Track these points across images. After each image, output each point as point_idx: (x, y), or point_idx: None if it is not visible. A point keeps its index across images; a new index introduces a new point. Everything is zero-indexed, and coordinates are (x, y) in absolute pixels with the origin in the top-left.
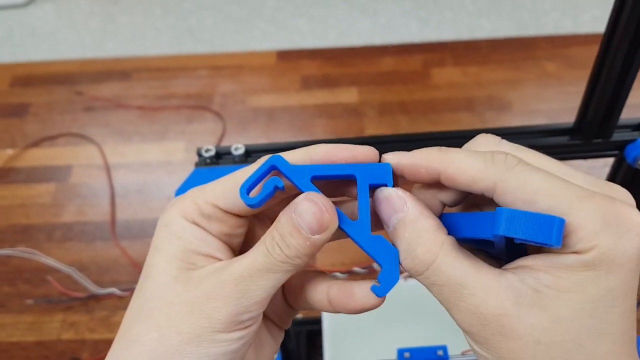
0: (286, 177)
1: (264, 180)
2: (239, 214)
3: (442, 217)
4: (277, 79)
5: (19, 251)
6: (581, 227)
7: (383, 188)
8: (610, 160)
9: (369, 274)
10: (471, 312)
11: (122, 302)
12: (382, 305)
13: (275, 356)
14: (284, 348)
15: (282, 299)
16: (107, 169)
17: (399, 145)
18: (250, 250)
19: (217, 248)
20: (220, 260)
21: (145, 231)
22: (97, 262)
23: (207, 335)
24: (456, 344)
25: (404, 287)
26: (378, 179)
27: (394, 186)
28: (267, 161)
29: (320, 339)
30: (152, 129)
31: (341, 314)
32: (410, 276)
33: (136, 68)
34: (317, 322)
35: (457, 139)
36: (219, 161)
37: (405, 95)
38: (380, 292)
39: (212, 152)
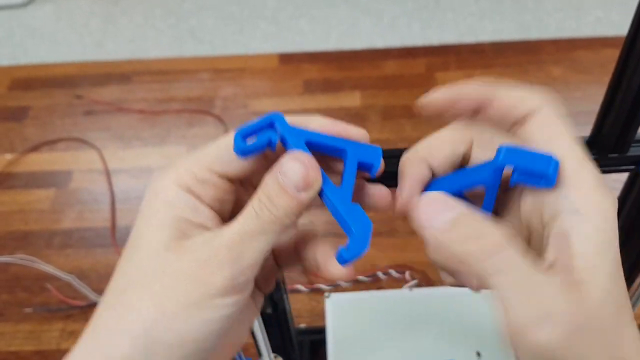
0: (281, 134)
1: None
2: (233, 176)
3: (433, 183)
4: (279, 83)
5: (18, 258)
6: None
7: (427, 193)
8: (621, 176)
9: (374, 282)
10: (522, 303)
11: None
12: (388, 317)
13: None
14: (287, 358)
15: (271, 259)
16: (108, 174)
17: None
18: (239, 215)
19: (207, 217)
20: (210, 229)
21: None
22: (97, 269)
23: (203, 301)
24: (464, 358)
25: (410, 299)
26: (368, 158)
27: (379, 168)
28: (268, 116)
29: (324, 349)
30: (153, 133)
31: (345, 323)
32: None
33: (136, 71)
34: (321, 331)
35: None
36: None
37: (409, 100)
38: (347, 257)
39: None
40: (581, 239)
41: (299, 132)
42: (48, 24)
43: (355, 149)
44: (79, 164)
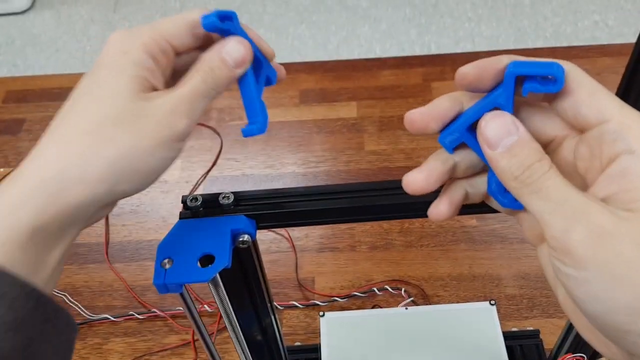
0: (233, 27)
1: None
2: (180, 50)
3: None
4: (274, 94)
5: None
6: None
7: (493, 112)
8: None
9: (369, 298)
10: (571, 221)
11: (115, 329)
12: (384, 336)
13: None
14: None
15: None
16: None
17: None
18: (189, 77)
19: (159, 80)
20: (159, 90)
21: (139, 254)
22: (90, 286)
23: (169, 142)
24: None
25: (406, 318)
26: (272, 75)
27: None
28: (230, 11)
29: None
30: None
31: (340, 342)
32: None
33: None
34: (316, 350)
35: None
36: (206, 211)
37: (406, 110)
38: (248, 131)
39: (199, 202)
40: (634, 181)
41: (243, 31)
42: (48, 30)
43: (267, 65)
44: None
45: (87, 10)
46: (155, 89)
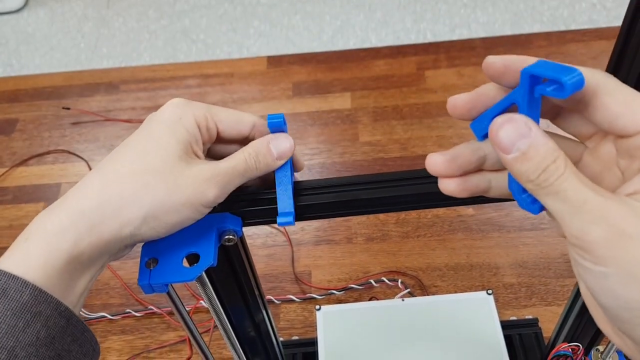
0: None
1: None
2: (223, 135)
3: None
4: (268, 87)
5: None
6: None
7: (505, 115)
8: None
9: (366, 290)
10: (590, 223)
11: (113, 327)
12: (381, 328)
13: None
14: None
15: None
16: None
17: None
18: (233, 156)
19: (200, 150)
20: (201, 159)
21: (136, 252)
22: None
23: (195, 205)
24: None
25: (403, 309)
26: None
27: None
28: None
29: None
30: None
31: (337, 335)
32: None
33: (123, 80)
34: (314, 343)
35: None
36: None
37: (400, 100)
38: (280, 222)
39: None
40: None
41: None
42: (42, 28)
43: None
44: (67, 177)
45: (80, 7)
46: (195, 154)
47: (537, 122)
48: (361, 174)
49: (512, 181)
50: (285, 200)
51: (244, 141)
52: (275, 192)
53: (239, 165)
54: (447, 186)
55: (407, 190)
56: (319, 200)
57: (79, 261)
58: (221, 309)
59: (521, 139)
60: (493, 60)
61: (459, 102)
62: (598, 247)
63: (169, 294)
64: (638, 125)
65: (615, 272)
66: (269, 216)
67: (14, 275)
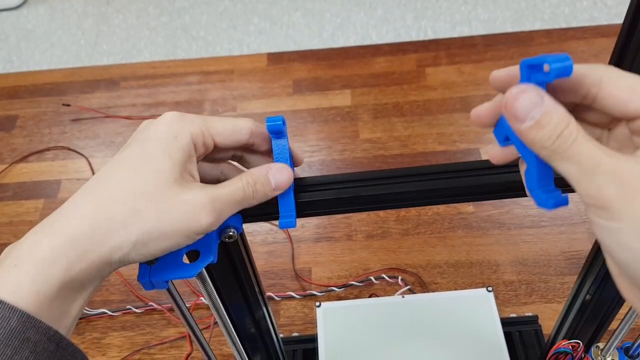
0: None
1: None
2: (220, 148)
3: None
4: (268, 84)
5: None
6: None
7: (516, 86)
8: None
9: (366, 287)
10: (605, 182)
11: (113, 323)
12: (381, 323)
13: None
14: None
15: None
16: None
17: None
18: (231, 182)
19: (195, 167)
20: (194, 177)
21: None
22: None
23: (187, 233)
24: None
25: (403, 306)
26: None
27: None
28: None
29: (315, 358)
30: None
31: (337, 332)
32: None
33: (124, 76)
34: (314, 340)
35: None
36: None
37: (400, 97)
38: (281, 225)
39: None
40: None
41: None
42: (42, 25)
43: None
44: (67, 173)
45: (80, 4)
46: (192, 175)
47: None
48: (363, 171)
49: (528, 179)
50: (286, 201)
51: (241, 148)
52: None
53: (237, 193)
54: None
55: (409, 187)
56: (320, 197)
57: (70, 287)
58: (221, 306)
59: (535, 107)
60: (498, 74)
61: (482, 111)
62: (612, 203)
63: (169, 290)
64: (593, 76)
65: (629, 225)
66: (269, 213)
67: (1, 301)
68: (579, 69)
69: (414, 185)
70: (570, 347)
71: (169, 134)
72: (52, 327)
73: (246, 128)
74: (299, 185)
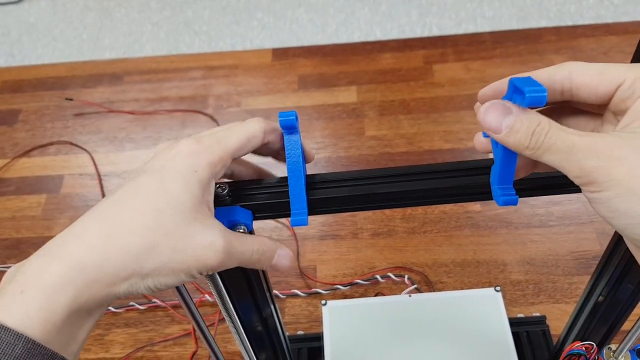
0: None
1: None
2: (242, 158)
3: None
4: (273, 80)
5: (9, 267)
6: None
7: (486, 103)
8: None
9: (372, 285)
10: (583, 159)
11: (116, 319)
12: (387, 322)
13: None
14: None
15: None
16: (99, 177)
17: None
18: (245, 241)
19: (211, 199)
20: (210, 207)
21: None
22: None
23: (193, 270)
24: None
25: (409, 305)
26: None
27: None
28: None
29: (322, 356)
30: (145, 135)
31: (343, 330)
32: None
33: (127, 71)
34: (319, 338)
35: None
36: None
37: (407, 94)
38: (293, 223)
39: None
40: None
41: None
42: (44, 19)
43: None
44: (70, 168)
45: None
46: (207, 206)
47: None
48: (376, 168)
49: (492, 175)
50: (298, 199)
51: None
52: (287, 185)
53: (246, 254)
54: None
55: (423, 185)
56: (333, 195)
57: (77, 314)
58: (230, 303)
59: (505, 117)
60: (485, 92)
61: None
62: (596, 176)
63: (177, 287)
64: (614, 83)
65: (616, 192)
66: (280, 210)
67: (7, 328)
68: (546, 70)
69: (430, 183)
70: (583, 348)
71: (188, 169)
72: (59, 353)
73: (259, 131)
74: (311, 182)
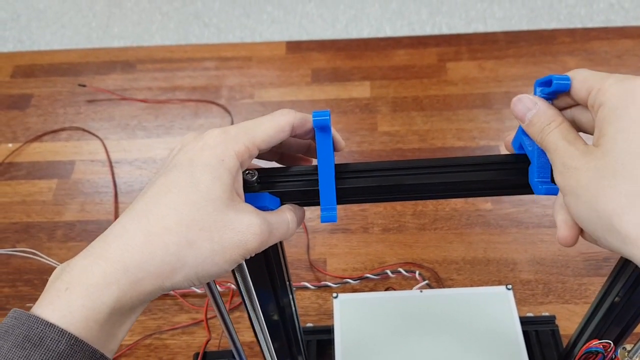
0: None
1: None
2: (269, 151)
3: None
4: (286, 72)
5: (20, 251)
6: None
7: (518, 96)
8: None
9: (382, 280)
10: (557, 157)
11: None
12: (398, 317)
13: None
14: (293, 359)
15: None
16: (110, 164)
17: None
18: (278, 214)
19: (240, 187)
20: (240, 194)
21: None
22: None
23: (236, 256)
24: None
25: (420, 300)
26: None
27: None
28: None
29: (331, 349)
30: (157, 123)
31: (354, 324)
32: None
33: (140, 59)
34: (328, 331)
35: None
36: None
37: (420, 91)
38: (323, 219)
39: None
40: (600, 124)
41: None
42: (53, 5)
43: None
44: (81, 154)
45: None
46: (237, 194)
47: None
48: (404, 159)
49: (531, 174)
50: (328, 193)
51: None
52: (316, 174)
53: (283, 226)
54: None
55: (451, 177)
56: (361, 184)
57: (120, 313)
58: (253, 291)
59: (529, 110)
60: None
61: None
62: (558, 181)
63: None
64: (589, 90)
65: (571, 199)
66: (308, 198)
67: (51, 324)
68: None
69: (460, 176)
70: (601, 346)
71: (215, 159)
72: (99, 350)
73: (288, 125)
74: (339, 171)
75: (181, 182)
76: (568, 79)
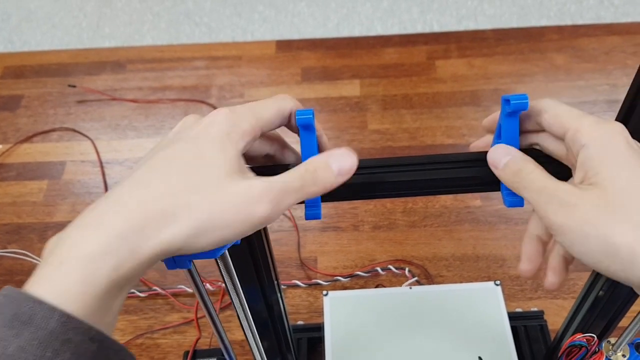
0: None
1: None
2: (269, 137)
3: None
4: (276, 71)
5: (11, 252)
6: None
7: (495, 146)
8: None
9: (372, 278)
10: (547, 203)
11: None
12: (388, 314)
13: None
14: (283, 357)
15: None
16: (101, 165)
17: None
18: (288, 172)
19: (244, 163)
20: (245, 172)
21: None
22: None
23: (245, 226)
24: (462, 356)
25: (410, 297)
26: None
27: None
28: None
29: (322, 346)
30: (147, 124)
31: (344, 321)
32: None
33: (130, 59)
34: (319, 329)
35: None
36: None
37: (410, 89)
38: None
39: None
40: (588, 163)
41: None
42: (44, 6)
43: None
44: (72, 155)
45: None
46: (242, 169)
47: (517, 131)
48: (390, 157)
49: (503, 184)
50: (315, 198)
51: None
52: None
53: (293, 181)
54: (552, 283)
55: (437, 174)
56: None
57: (117, 284)
58: (240, 288)
59: (503, 157)
60: (484, 124)
61: (480, 144)
62: (555, 219)
63: (190, 270)
64: (563, 128)
65: (573, 237)
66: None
67: (41, 301)
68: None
69: (445, 173)
70: (585, 340)
71: (221, 133)
72: (94, 326)
73: (288, 109)
74: None
75: (185, 152)
76: (526, 97)
